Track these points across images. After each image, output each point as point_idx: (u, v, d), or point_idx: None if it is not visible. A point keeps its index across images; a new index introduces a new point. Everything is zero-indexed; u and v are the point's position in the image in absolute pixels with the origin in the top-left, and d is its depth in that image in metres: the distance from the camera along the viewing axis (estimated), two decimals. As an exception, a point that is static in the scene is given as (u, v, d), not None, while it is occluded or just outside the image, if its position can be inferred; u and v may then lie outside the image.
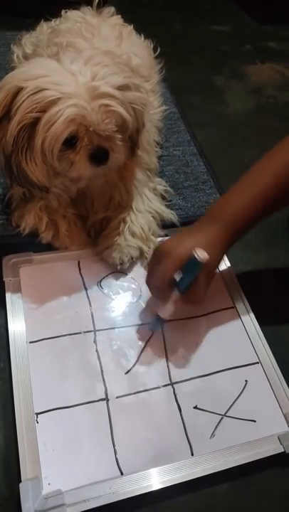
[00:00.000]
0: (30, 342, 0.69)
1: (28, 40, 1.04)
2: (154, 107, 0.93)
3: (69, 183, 0.74)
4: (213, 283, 0.68)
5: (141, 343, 0.71)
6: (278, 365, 0.71)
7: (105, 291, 0.77)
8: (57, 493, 0.55)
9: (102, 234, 0.81)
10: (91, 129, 0.63)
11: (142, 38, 0.99)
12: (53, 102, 0.60)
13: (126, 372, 0.68)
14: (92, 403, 0.64)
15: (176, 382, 0.68)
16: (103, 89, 0.62)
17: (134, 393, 0.66)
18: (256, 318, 0.76)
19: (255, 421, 0.65)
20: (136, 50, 0.88)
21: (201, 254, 0.60)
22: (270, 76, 1.41)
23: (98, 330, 0.72)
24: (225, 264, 0.83)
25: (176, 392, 0.67)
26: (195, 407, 0.66)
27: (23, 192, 0.78)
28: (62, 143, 0.63)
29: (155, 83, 0.95)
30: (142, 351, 0.70)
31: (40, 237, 0.80)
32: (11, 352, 0.67)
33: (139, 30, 0.99)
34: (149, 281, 0.69)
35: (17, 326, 0.70)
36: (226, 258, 0.83)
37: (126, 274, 0.80)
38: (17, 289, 0.74)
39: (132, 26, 0.98)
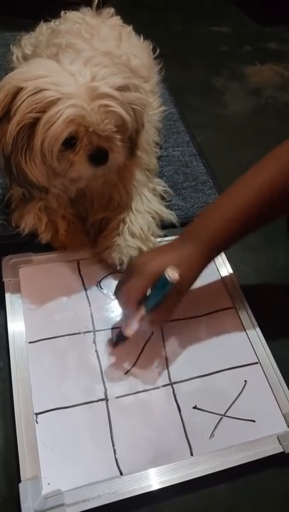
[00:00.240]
0: (29, 342, 0.69)
1: (27, 41, 1.04)
2: (154, 107, 0.93)
3: (68, 183, 0.74)
4: (213, 283, 0.68)
5: (140, 343, 0.71)
6: (277, 365, 0.71)
7: (105, 291, 0.77)
8: (56, 493, 0.55)
9: (102, 234, 0.81)
10: (90, 129, 0.63)
11: (142, 39, 0.99)
12: (53, 103, 0.60)
13: (125, 373, 0.68)
14: (91, 403, 0.64)
15: (175, 382, 0.68)
16: (103, 89, 0.62)
17: (134, 393, 0.66)
18: (256, 318, 0.76)
19: (254, 421, 0.65)
20: (135, 51, 0.88)
21: (172, 275, 0.58)
22: (270, 77, 1.41)
23: (98, 330, 0.72)
24: (224, 265, 0.83)
25: (175, 392, 0.67)
26: (194, 407, 0.66)
27: (23, 192, 0.78)
28: (61, 143, 0.63)
29: (154, 84, 0.95)
30: (141, 351, 0.70)
31: (40, 237, 0.80)
32: (11, 352, 0.67)
33: (138, 31, 0.99)
34: (117, 295, 0.67)
35: (16, 326, 0.70)
36: (225, 259, 0.83)
37: (125, 275, 0.80)
38: (16, 290, 0.74)
39: (131, 27, 0.98)
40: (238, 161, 1.07)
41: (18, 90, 0.61)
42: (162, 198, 0.90)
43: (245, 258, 0.87)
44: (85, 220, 0.83)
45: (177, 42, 1.48)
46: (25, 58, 1.00)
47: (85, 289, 0.77)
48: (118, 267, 0.78)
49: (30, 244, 0.80)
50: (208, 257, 0.65)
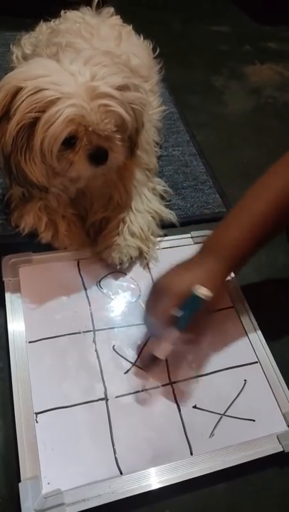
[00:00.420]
0: (29, 342, 0.69)
1: (27, 41, 1.04)
2: (154, 107, 0.93)
3: (68, 183, 0.74)
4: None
5: (140, 343, 0.71)
6: (277, 364, 0.71)
7: (104, 291, 0.77)
8: (56, 492, 0.55)
9: (102, 234, 0.81)
10: (90, 129, 0.63)
11: (142, 38, 0.99)
12: (52, 102, 0.60)
13: (125, 372, 0.68)
14: (91, 403, 0.64)
15: (175, 382, 0.68)
16: (102, 89, 0.62)
17: (134, 393, 0.66)
18: (255, 317, 0.76)
19: (254, 420, 0.65)
20: (135, 51, 0.88)
21: (203, 291, 0.58)
22: (270, 76, 1.41)
23: (97, 330, 0.72)
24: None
25: (175, 391, 0.67)
26: (194, 407, 0.66)
27: (23, 192, 0.78)
28: (61, 143, 0.63)
29: (154, 83, 0.95)
30: (141, 351, 0.70)
31: (40, 237, 0.80)
32: (11, 352, 0.67)
33: (138, 30, 0.99)
34: (147, 320, 0.66)
35: (16, 325, 0.70)
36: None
37: (125, 274, 0.80)
38: (16, 289, 0.74)
39: (131, 26, 0.98)
40: (237, 160, 1.07)
41: (18, 90, 0.61)
42: (162, 197, 0.90)
43: (245, 258, 0.87)
44: (85, 219, 0.83)
45: (177, 41, 1.48)
46: (25, 58, 1.00)
47: (85, 289, 0.77)
48: (118, 267, 0.78)
49: (30, 244, 0.80)
50: (229, 273, 0.65)
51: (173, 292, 0.60)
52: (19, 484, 0.55)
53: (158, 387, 0.67)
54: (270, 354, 0.72)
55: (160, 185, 0.91)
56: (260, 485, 0.61)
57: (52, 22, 0.98)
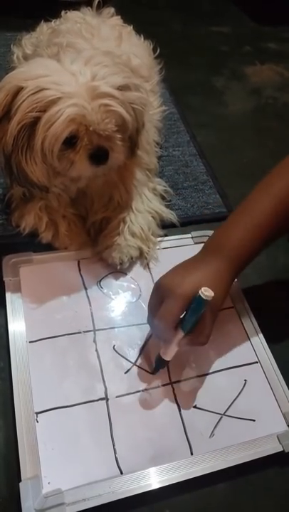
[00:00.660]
0: (30, 342, 0.69)
1: (28, 41, 1.04)
2: (154, 107, 0.93)
3: (69, 182, 0.75)
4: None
5: (140, 343, 0.71)
6: (277, 364, 0.71)
7: (105, 290, 0.77)
8: (57, 492, 0.55)
9: (102, 234, 0.81)
10: (91, 128, 0.63)
11: (142, 39, 0.99)
12: (53, 102, 0.60)
13: (125, 372, 0.68)
14: (91, 402, 0.64)
15: (175, 382, 0.68)
16: (103, 89, 0.62)
17: (134, 392, 0.66)
18: (255, 318, 0.76)
19: (254, 420, 0.65)
20: (136, 51, 0.88)
21: (208, 293, 0.56)
22: (270, 77, 1.41)
23: (98, 329, 0.72)
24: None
25: (175, 391, 0.67)
26: (194, 407, 0.66)
27: (23, 192, 0.78)
28: (62, 142, 0.63)
29: (155, 83, 0.95)
30: (141, 351, 0.70)
31: (40, 237, 0.80)
32: (11, 351, 0.67)
33: (138, 30, 0.99)
34: (152, 322, 0.64)
35: (17, 325, 0.70)
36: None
37: (126, 274, 0.80)
38: (17, 289, 0.74)
39: (131, 27, 0.98)
40: (238, 160, 1.07)
41: (19, 90, 0.61)
42: (162, 197, 0.90)
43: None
44: (86, 219, 0.83)
45: (177, 42, 1.48)
46: (26, 58, 1.00)
47: (86, 289, 0.77)
48: (118, 267, 0.78)
49: (30, 244, 0.80)
50: (235, 274, 0.64)
51: (178, 294, 0.59)
52: (20, 484, 0.55)
53: (158, 387, 0.67)
54: (271, 354, 0.72)
55: (160, 185, 0.91)
56: (260, 485, 0.61)
57: (53, 22, 0.98)
